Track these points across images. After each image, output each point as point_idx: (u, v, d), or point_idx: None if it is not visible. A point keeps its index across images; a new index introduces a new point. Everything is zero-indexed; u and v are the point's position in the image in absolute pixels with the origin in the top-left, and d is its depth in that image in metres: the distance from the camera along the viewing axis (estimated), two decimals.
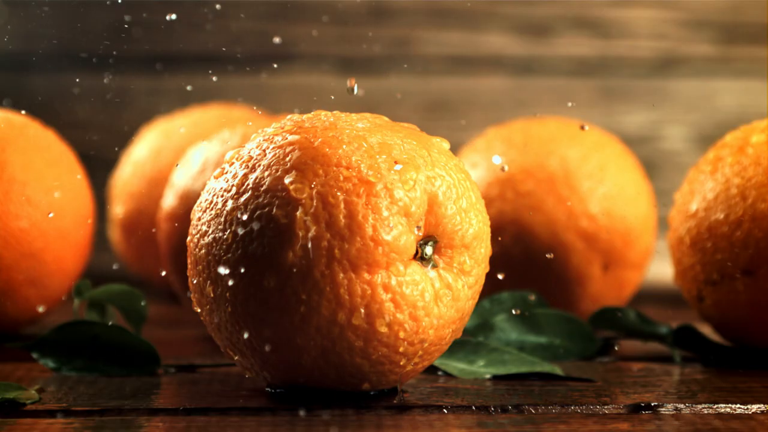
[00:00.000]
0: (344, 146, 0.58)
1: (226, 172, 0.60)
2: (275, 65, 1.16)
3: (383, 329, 0.57)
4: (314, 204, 0.56)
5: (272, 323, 0.57)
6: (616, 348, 0.74)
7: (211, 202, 0.60)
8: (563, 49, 1.23)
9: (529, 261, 0.82)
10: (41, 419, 0.57)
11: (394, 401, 0.55)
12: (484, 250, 0.60)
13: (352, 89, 0.60)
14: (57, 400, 0.60)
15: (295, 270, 0.56)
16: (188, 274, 0.61)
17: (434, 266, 0.59)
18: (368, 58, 1.21)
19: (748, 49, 1.23)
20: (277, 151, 0.58)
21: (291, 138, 0.59)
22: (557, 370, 0.67)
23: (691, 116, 1.24)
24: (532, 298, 0.76)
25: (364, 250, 0.56)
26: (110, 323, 0.68)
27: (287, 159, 0.58)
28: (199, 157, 0.79)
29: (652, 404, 0.60)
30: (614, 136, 0.88)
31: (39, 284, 0.76)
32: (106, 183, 1.03)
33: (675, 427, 0.56)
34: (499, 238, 0.81)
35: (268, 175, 0.58)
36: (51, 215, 0.75)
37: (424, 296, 0.58)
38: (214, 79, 1.16)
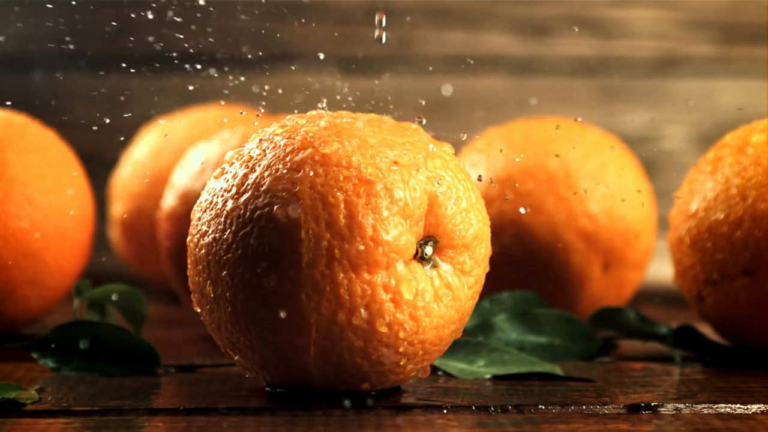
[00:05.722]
0: (344, 146, 0.58)
1: (226, 172, 0.60)
2: (292, 67, 1.16)
3: (383, 329, 0.57)
4: (314, 204, 0.56)
5: (272, 323, 0.57)
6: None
7: (211, 202, 0.60)
8: (563, 49, 1.23)
9: (529, 261, 0.82)
10: (41, 419, 0.57)
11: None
12: (484, 250, 0.60)
13: (381, 22, 0.60)
14: (57, 400, 0.60)
15: (295, 270, 0.56)
16: (188, 274, 0.61)
17: (434, 266, 0.59)
18: (368, 58, 1.21)
19: (748, 49, 1.23)
20: (277, 151, 0.58)
21: (291, 138, 0.59)
22: (557, 370, 0.67)
23: (691, 116, 1.24)
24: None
25: (365, 250, 0.56)
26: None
27: (287, 159, 0.58)
28: (199, 157, 0.79)
29: (652, 404, 0.60)
30: (614, 136, 0.88)
31: (39, 284, 0.76)
32: (106, 183, 1.03)
33: (675, 427, 0.56)
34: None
35: (268, 175, 0.58)
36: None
37: (424, 296, 0.58)
38: (228, 78, 1.16)
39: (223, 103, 1.03)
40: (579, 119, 0.83)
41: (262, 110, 0.75)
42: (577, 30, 1.19)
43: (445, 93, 0.78)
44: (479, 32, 1.23)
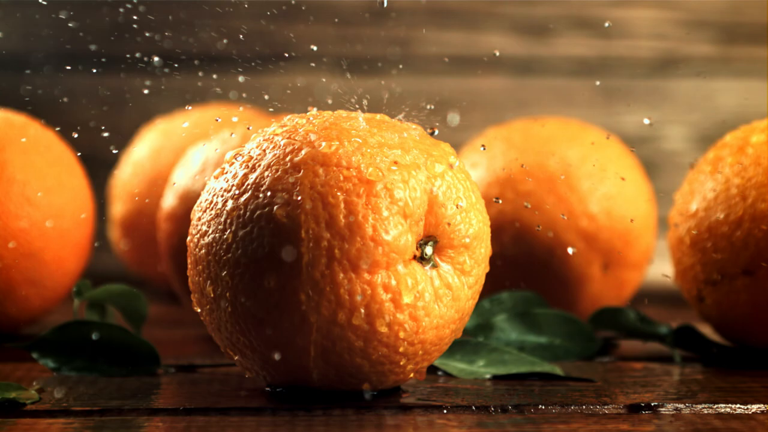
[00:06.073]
0: (344, 146, 0.58)
1: (226, 172, 0.60)
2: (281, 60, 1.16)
3: (383, 329, 0.57)
4: (314, 204, 0.56)
5: (272, 323, 0.57)
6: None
7: (211, 202, 0.60)
8: (563, 49, 1.23)
9: (529, 261, 0.82)
10: (41, 419, 0.57)
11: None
12: (484, 250, 0.60)
13: (382, 3, 0.60)
14: (57, 400, 0.60)
15: (295, 270, 0.56)
16: (188, 274, 0.61)
17: (434, 266, 0.59)
18: (368, 58, 1.21)
19: (748, 49, 1.23)
20: (277, 151, 0.58)
21: (291, 138, 0.59)
22: (557, 370, 0.67)
23: (691, 116, 1.24)
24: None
25: (364, 250, 0.56)
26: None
27: (287, 159, 0.58)
28: (199, 157, 0.79)
29: (652, 404, 0.60)
30: (614, 136, 0.88)
31: (39, 284, 0.76)
32: (106, 183, 1.03)
33: (675, 427, 0.56)
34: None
35: (268, 175, 0.58)
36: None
37: (424, 296, 0.58)
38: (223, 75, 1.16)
39: (189, 108, 1.03)
40: (649, 121, 0.84)
41: (250, 126, 0.74)
42: (609, 25, 1.19)
43: (452, 123, 0.78)
44: (479, 32, 1.23)
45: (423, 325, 0.58)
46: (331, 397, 0.60)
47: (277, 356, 0.58)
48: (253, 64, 1.14)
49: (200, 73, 1.17)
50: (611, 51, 1.23)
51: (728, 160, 0.71)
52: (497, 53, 1.21)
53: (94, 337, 0.65)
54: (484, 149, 0.83)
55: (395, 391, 0.62)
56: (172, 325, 0.85)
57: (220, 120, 0.88)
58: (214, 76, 1.17)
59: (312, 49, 1.19)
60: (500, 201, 0.80)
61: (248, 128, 0.62)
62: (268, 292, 0.57)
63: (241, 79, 1.14)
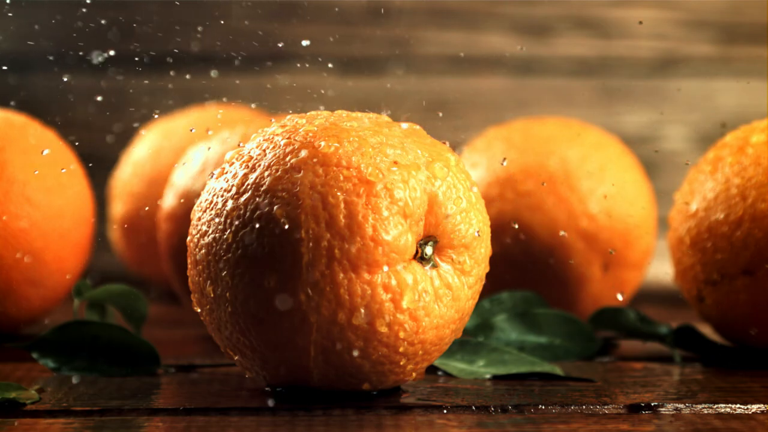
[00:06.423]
0: (344, 146, 0.58)
1: (226, 172, 0.60)
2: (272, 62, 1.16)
3: (383, 329, 0.57)
4: (314, 204, 0.56)
5: (272, 323, 0.57)
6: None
7: (211, 202, 0.60)
8: (563, 49, 1.23)
9: (529, 261, 0.82)
10: (41, 419, 0.57)
11: None
12: (484, 250, 0.60)
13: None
14: (57, 400, 0.60)
15: (295, 270, 0.56)
16: (188, 274, 0.61)
17: (434, 266, 0.59)
18: (368, 58, 1.21)
19: (748, 49, 1.23)
20: (277, 151, 0.58)
21: (291, 138, 0.59)
22: (557, 370, 0.67)
23: (691, 116, 1.24)
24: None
25: (364, 250, 0.56)
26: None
27: (287, 159, 0.58)
28: (199, 157, 0.79)
29: (652, 404, 0.60)
30: (614, 136, 0.88)
31: (39, 284, 0.76)
32: (106, 183, 1.03)
33: (675, 427, 0.56)
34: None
35: (268, 175, 0.58)
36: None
37: (424, 296, 0.58)
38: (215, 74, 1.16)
39: (156, 115, 1.03)
40: (725, 127, 0.84)
41: (241, 143, 0.75)
42: (641, 23, 1.19)
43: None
44: (479, 32, 1.23)
45: (423, 325, 0.58)
46: (331, 397, 0.60)
47: (270, 403, 0.58)
48: (239, 59, 1.14)
49: (172, 73, 1.17)
50: (611, 51, 1.23)
51: (728, 160, 0.71)
52: (522, 48, 1.21)
53: (74, 380, 0.65)
54: (505, 163, 0.83)
55: (395, 391, 0.62)
56: (172, 325, 0.85)
57: (194, 131, 0.88)
58: (188, 77, 1.17)
59: (312, 51, 1.19)
60: (517, 225, 0.80)
61: (239, 144, 0.62)
62: (268, 292, 0.57)
63: (213, 73, 1.14)
